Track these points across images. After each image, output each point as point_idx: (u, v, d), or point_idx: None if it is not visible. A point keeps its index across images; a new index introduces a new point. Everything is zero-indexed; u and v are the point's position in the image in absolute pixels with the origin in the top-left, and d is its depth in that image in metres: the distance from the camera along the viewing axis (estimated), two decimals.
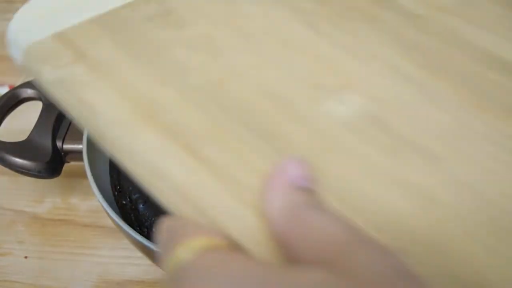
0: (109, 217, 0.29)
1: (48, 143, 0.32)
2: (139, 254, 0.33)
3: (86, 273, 0.32)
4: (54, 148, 0.33)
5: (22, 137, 0.33)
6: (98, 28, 0.27)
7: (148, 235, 0.32)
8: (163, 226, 0.17)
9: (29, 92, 0.36)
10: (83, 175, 0.39)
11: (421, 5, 0.28)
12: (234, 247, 0.17)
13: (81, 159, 0.31)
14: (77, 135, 0.33)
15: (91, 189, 0.31)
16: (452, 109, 0.23)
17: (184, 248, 0.16)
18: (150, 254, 0.29)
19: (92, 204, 0.37)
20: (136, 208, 0.34)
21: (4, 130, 0.34)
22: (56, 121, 0.34)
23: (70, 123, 0.34)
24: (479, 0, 0.29)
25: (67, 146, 0.33)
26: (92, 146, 0.32)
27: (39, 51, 0.26)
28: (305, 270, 0.14)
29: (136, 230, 0.28)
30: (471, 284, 0.18)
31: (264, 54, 0.25)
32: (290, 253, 0.16)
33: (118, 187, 0.35)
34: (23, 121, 0.41)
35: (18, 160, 0.31)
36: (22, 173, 0.32)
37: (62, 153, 0.33)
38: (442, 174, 0.20)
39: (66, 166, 0.41)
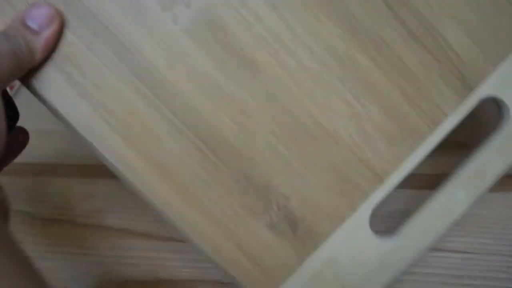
0: None
1: None
2: (139, 254, 0.33)
3: (86, 273, 0.32)
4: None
5: None
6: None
7: None
8: None
9: None
10: (83, 175, 0.39)
11: None
12: None
13: None
14: None
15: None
16: (286, 14, 0.25)
17: None
18: None
19: (92, 204, 0.37)
20: None
21: None
22: None
23: None
24: None
25: None
26: None
27: None
28: None
29: None
30: (260, 181, 0.25)
31: None
32: None
33: None
34: None
35: None
36: None
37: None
38: (258, 88, 0.25)
39: (67, 167, 0.41)
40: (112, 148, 0.24)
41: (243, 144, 0.25)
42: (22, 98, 0.45)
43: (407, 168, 0.26)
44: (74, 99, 0.24)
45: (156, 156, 0.25)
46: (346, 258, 0.26)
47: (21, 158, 0.41)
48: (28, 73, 0.24)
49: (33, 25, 0.23)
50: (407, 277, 0.31)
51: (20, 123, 0.47)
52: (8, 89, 0.44)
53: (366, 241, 0.26)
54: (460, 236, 0.33)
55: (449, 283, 0.30)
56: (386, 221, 0.31)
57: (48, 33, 0.24)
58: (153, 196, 0.25)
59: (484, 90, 0.26)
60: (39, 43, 0.24)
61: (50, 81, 0.24)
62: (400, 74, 0.26)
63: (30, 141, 0.45)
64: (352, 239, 0.26)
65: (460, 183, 0.27)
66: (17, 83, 0.50)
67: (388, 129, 0.26)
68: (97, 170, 0.40)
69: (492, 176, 0.27)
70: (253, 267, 0.26)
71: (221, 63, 0.25)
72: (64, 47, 0.24)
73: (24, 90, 0.50)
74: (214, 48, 0.25)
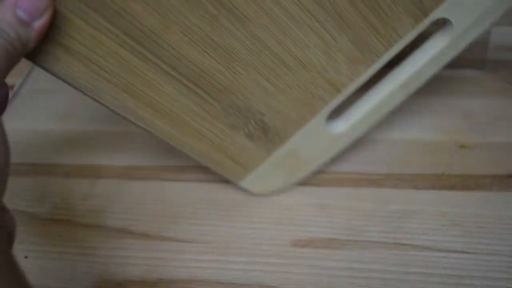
0: None
1: None
2: (139, 254, 0.33)
3: (86, 273, 0.32)
4: None
5: None
6: None
7: None
8: None
9: None
10: (83, 175, 0.39)
11: None
12: None
13: None
14: None
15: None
16: None
17: None
18: None
19: (92, 204, 0.37)
20: None
21: None
22: None
23: None
24: None
25: None
26: None
27: None
28: None
29: None
30: (242, 107, 0.31)
31: None
32: None
33: None
34: None
35: None
36: None
37: None
38: (247, 36, 0.28)
39: (67, 167, 0.41)
40: (120, 103, 0.28)
41: (231, 82, 0.29)
42: (22, 99, 0.45)
43: (361, 80, 0.32)
44: (77, 67, 0.26)
45: (156, 101, 0.29)
46: (304, 147, 0.34)
47: (21, 158, 0.42)
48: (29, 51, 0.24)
49: (24, 16, 0.22)
50: (407, 277, 0.31)
51: (20, 123, 0.47)
52: None
53: (321, 133, 0.34)
54: (460, 236, 0.33)
55: (449, 283, 0.30)
56: None
57: (40, 23, 0.23)
58: (156, 130, 0.30)
59: (437, 14, 0.30)
60: (32, 35, 0.22)
61: (50, 55, 0.25)
62: (368, 7, 0.29)
63: (30, 141, 0.45)
64: (311, 134, 0.34)
65: (399, 83, 0.33)
66: (16, 84, 0.50)
67: (352, 53, 0.30)
68: (97, 170, 0.40)
69: (426, 78, 0.33)
70: (233, 164, 0.34)
71: (214, 18, 0.27)
72: (58, 22, 0.24)
73: (23, 90, 0.50)
74: (206, 5, 0.27)
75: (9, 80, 0.43)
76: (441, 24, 0.32)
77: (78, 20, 0.25)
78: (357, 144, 0.41)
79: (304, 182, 0.38)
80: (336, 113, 0.33)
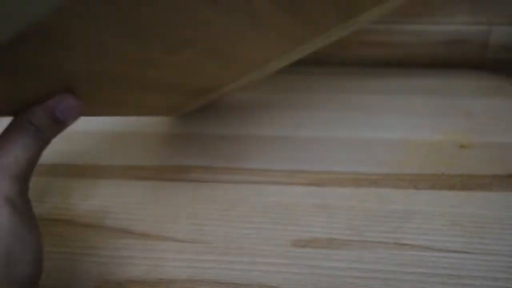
0: None
1: None
2: (139, 254, 0.33)
3: (86, 273, 0.32)
4: None
5: None
6: None
7: None
8: None
9: None
10: (83, 175, 0.39)
11: None
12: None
13: None
14: None
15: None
16: None
17: None
18: None
19: (92, 204, 0.37)
20: None
21: None
22: None
23: None
24: None
25: None
26: None
27: None
28: None
29: None
30: (200, 89, 0.37)
31: None
32: None
33: None
34: None
35: None
36: None
37: None
38: (212, 56, 0.31)
39: (67, 167, 0.41)
40: (96, 111, 0.32)
41: (189, 80, 0.35)
42: None
43: (285, 55, 0.37)
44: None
45: (125, 101, 0.33)
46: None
47: None
48: None
49: (61, 117, 0.25)
50: (407, 277, 0.31)
51: None
52: None
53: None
54: (460, 236, 0.33)
55: (449, 283, 0.30)
56: None
57: (71, 123, 0.26)
58: (122, 114, 0.35)
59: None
60: (62, 131, 0.26)
61: None
62: (304, 15, 0.32)
63: None
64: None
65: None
66: None
67: (282, 43, 0.35)
68: (97, 170, 0.40)
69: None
70: (171, 111, 0.41)
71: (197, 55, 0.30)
72: None
73: None
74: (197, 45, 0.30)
75: None
76: None
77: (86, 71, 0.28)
78: (357, 144, 0.41)
79: (304, 182, 0.38)
80: None
